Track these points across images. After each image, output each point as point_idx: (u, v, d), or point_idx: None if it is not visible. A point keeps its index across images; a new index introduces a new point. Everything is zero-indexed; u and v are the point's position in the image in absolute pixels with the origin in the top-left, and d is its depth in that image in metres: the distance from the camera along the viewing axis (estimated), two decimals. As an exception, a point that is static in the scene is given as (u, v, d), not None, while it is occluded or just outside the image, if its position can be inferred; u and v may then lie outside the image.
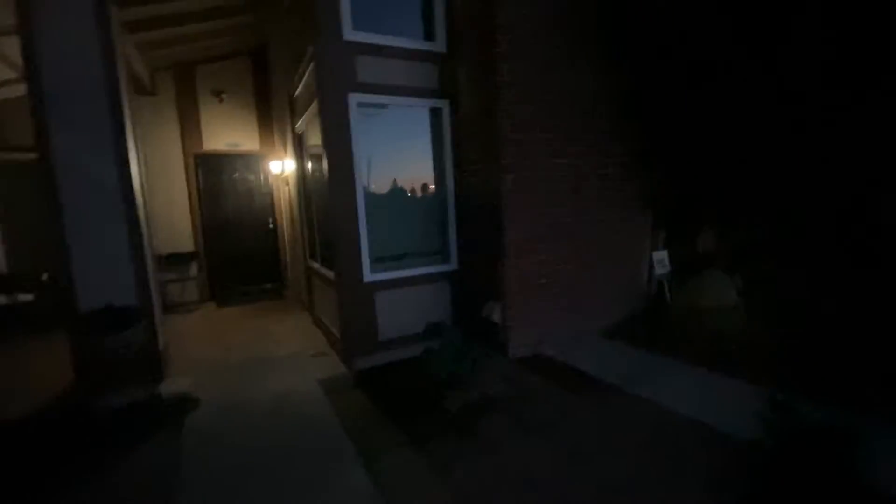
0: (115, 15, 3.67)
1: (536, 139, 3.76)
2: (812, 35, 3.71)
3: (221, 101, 6.78)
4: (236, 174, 7.09)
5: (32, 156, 3.20)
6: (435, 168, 4.30)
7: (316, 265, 5.02)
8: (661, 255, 4.73)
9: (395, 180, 4.28)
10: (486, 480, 2.23)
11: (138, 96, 5.83)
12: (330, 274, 4.19)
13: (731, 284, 4.50)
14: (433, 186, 4.33)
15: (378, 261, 3.97)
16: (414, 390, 3.29)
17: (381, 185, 4.19)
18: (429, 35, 4.09)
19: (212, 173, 6.89)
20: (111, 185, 3.34)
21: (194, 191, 6.74)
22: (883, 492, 1.94)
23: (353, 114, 3.68)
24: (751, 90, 4.14)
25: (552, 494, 2.10)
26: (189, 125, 6.63)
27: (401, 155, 4.33)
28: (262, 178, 7.23)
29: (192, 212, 6.75)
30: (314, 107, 3.99)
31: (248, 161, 7.14)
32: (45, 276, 5.38)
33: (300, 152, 5.30)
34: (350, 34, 3.64)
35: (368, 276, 3.86)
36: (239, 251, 7.16)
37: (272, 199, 7.31)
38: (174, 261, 6.53)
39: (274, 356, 4.29)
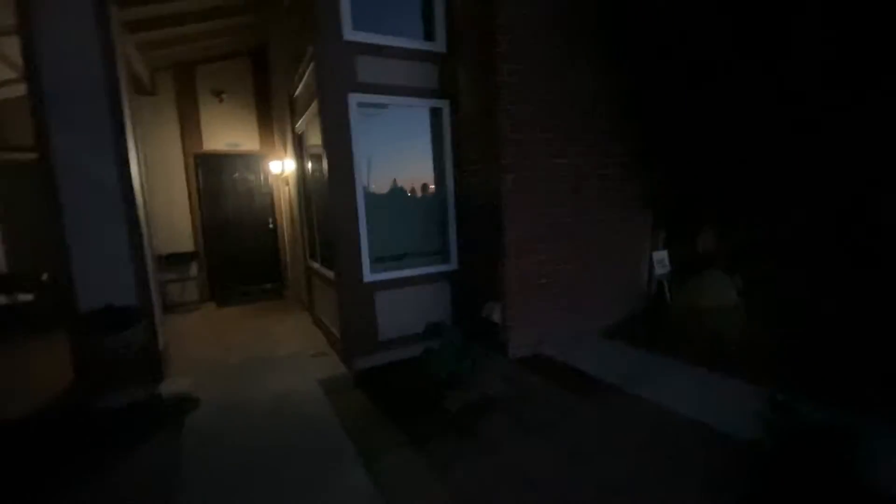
0: (116, 15, 3.67)
1: (536, 139, 3.76)
2: (812, 35, 3.71)
3: (221, 100, 6.78)
4: (236, 174, 7.09)
5: (32, 156, 3.20)
6: (435, 168, 4.30)
7: (316, 265, 5.02)
8: (661, 255, 4.73)
9: (395, 180, 4.28)
10: (486, 480, 2.23)
11: (138, 96, 5.83)
12: (330, 274, 4.20)
13: (732, 284, 4.50)
14: (433, 186, 4.33)
15: (378, 261, 3.97)
16: (414, 390, 3.29)
17: (381, 185, 4.19)
18: (429, 35, 4.09)
19: (212, 173, 6.89)
20: (111, 185, 3.34)
21: (194, 191, 6.74)
22: (883, 492, 1.93)
23: (353, 114, 3.68)
24: (751, 90, 4.14)
25: (552, 494, 2.10)
26: (189, 125, 6.63)
27: (401, 155, 4.33)
28: (262, 178, 7.23)
29: (192, 212, 6.75)
30: (314, 107, 3.99)
31: (248, 161, 7.14)
32: (45, 276, 5.38)
33: (300, 152, 5.30)
34: (350, 34, 3.64)
35: (368, 276, 3.86)
36: (239, 251, 7.16)
37: (272, 199, 7.32)
38: (174, 261, 6.53)
39: (274, 356, 4.29)
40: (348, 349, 3.82)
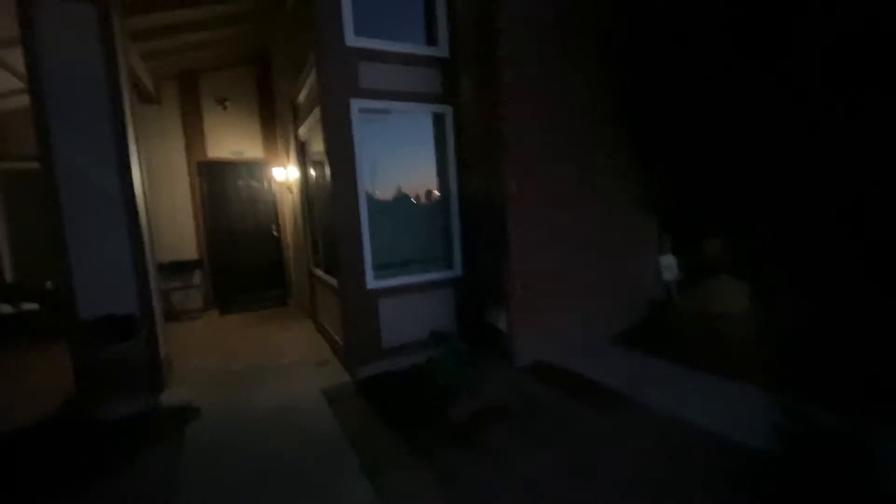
0: (119, 24, 3.68)
1: (538, 142, 3.72)
2: (812, 35, 3.67)
3: (225, 108, 6.81)
4: (240, 181, 7.10)
5: (36, 165, 3.21)
6: (438, 173, 4.27)
7: (319, 272, 4.99)
8: (668, 260, 4.68)
9: (398, 186, 4.25)
10: (490, 491, 2.18)
11: (144, 105, 5.88)
12: (333, 281, 4.16)
13: (741, 289, 4.43)
14: (437, 192, 4.30)
15: (381, 268, 3.93)
16: (417, 399, 3.23)
17: (383, 192, 4.17)
18: (431, 40, 4.07)
19: (216, 181, 6.91)
20: (113, 193, 3.34)
21: (198, 198, 6.75)
22: (904, 504, 1.87)
23: (356, 120, 3.66)
24: (751, 90, 4.09)
25: (560, 508, 2.04)
26: (193, 133, 6.66)
27: (404, 160, 4.30)
28: (265, 185, 7.24)
29: (195, 219, 6.76)
30: (316, 113, 3.97)
31: (252, 168, 7.15)
32: (49, 285, 5.39)
33: (303, 159, 5.29)
34: (352, 40, 3.63)
35: (372, 283, 3.82)
36: (242, 259, 7.15)
37: (276, 206, 7.31)
38: (178, 269, 6.52)
39: (277, 364, 4.25)
40: (351, 357, 3.78)
